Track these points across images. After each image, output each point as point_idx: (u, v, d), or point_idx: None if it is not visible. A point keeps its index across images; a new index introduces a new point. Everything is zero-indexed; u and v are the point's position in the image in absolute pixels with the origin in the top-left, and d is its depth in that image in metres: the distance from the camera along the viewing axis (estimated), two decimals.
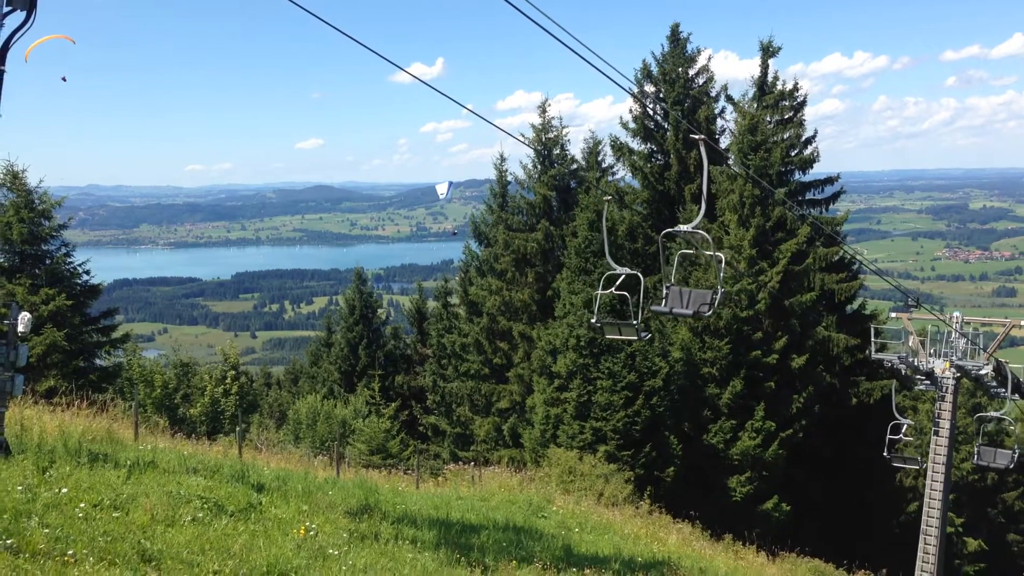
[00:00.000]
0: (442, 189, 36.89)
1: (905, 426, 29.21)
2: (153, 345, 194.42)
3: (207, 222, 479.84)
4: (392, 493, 17.59)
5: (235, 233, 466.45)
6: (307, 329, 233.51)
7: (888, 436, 28.88)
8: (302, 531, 11.19)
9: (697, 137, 10.53)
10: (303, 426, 34.14)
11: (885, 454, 29.13)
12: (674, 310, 12.01)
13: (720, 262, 12.01)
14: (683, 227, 11.93)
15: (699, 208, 11.84)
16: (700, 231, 11.84)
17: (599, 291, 18.95)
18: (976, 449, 26.82)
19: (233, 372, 31.14)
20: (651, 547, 19.13)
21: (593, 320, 18.96)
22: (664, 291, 12.19)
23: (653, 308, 12.56)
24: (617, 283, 18.69)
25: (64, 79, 11.18)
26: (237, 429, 23.23)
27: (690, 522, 25.67)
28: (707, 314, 11.85)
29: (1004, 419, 26.79)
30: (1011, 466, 26.56)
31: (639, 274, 19.39)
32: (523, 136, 39.75)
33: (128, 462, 12.93)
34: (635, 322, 18.17)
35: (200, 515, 10.91)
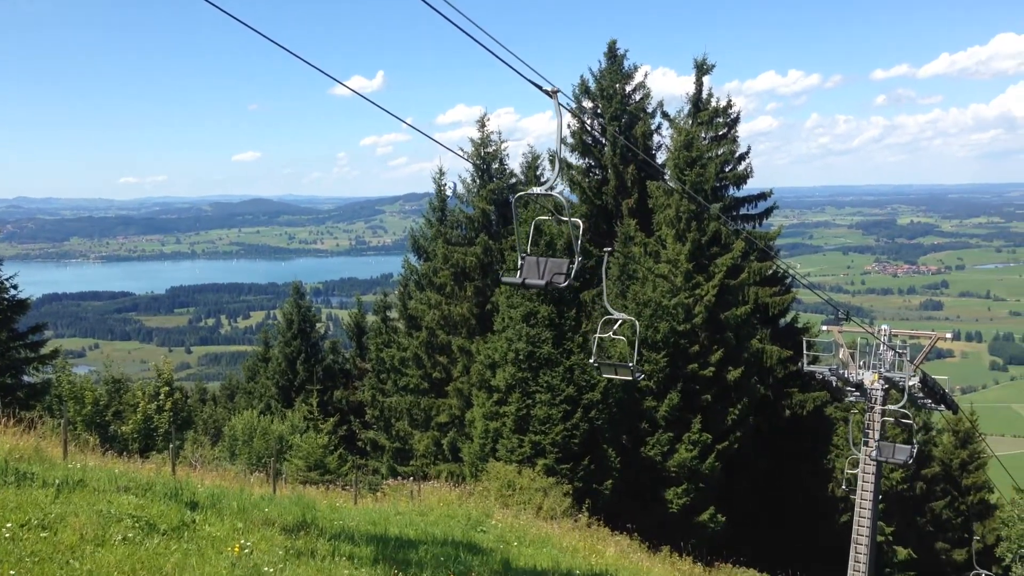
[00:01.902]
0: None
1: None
2: (84, 361, 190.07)
3: (141, 235, 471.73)
4: (330, 509, 17.43)
5: (170, 247, 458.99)
6: (244, 344, 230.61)
7: (846, 470, 29.57)
8: (236, 549, 11.04)
9: (551, 91, 9.84)
10: (239, 442, 33.63)
11: (843, 487, 29.85)
12: (527, 281, 10.79)
13: (577, 228, 11.03)
14: (536, 189, 10.81)
15: (555, 169, 10.91)
16: (554, 194, 10.89)
17: (598, 334, 19.96)
18: (875, 444, 27.28)
19: (167, 388, 30.56)
20: (589, 560, 19.23)
21: (591, 361, 20.16)
22: (519, 261, 10.97)
23: (504, 279, 11.38)
24: (615, 327, 19.75)
25: None
26: (170, 446, 22.80)
27: (628, 534, 25.86)
28: (561, 284, 10.64)
29: (904, 412, 27.23)
30: (910, 461, 26.94)
31: (635, 320, 20.29)
32: (462, 150, 39.83)
33: (57, 481, 12.64)
34: (631, 364, 19.31)
35: (131, 534, 10.71)
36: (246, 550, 11.17)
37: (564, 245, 37.39)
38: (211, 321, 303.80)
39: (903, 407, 26.69)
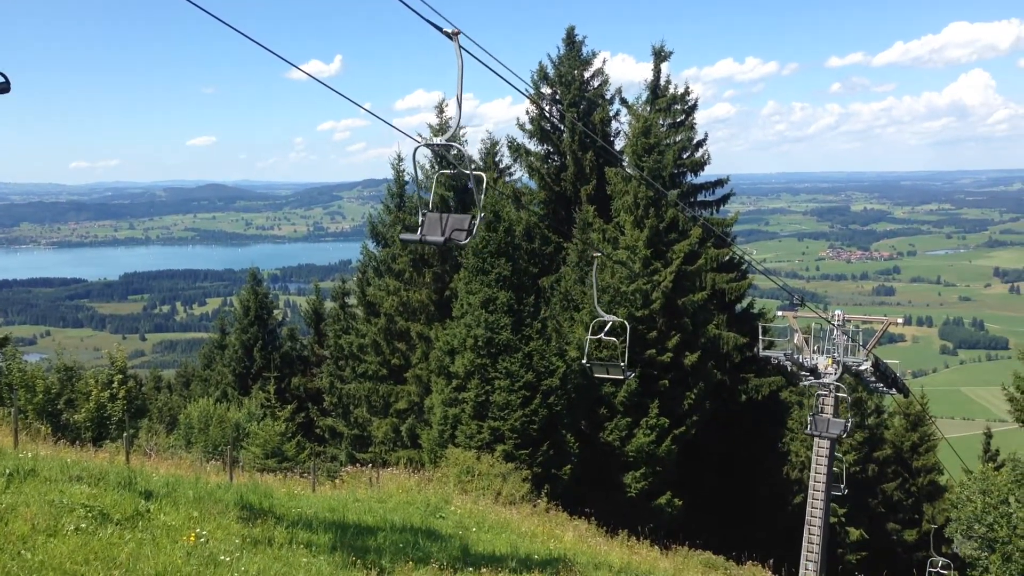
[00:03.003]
0: None
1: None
2: (35, 349, 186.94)
3: (93, 221, 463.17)
4: (287, 497, 17.32)
5: (123, 232, 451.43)
6: (200, 331, 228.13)
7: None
8: (192, 538, 10.95)
9: (451, 32, 9.17)
10: (195, 430, 33.28)
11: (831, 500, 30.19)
12: (426, 238, 10.22)
13: (481, 182, 10.48)
14: (437, 140, 10.17)
15: (457, 115, 9.95)
16: (455, 144, 10.21)
17: (589, 336, 20.71)
18: (809, 418, 27.63)
19: (120, 376, 30.10)
20: (548, 544, 19.33)
21: (584, 362, 21.16)
22: (420, 218, 10.40)
23: (402, 237, 10.67)
24: (606, 329, 20.53)
25: None
26: (124, 435, 22.50)
27: (586, 519, 26.02)
28: (463, 242, 10.16)
29: (839, 387, 27.59)
30: (844, 435, 27.27)
31: (625, 322, 20.87)
32: (420, 136, 39.46)
33: (7, 471, 12.44)
34: (621, 363, 20.14)
35: (84, 524, 10.57)
36: (202, 539, 11.08)
37: (523, 232, 37.44)
38: (166, 308, 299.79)
39: (838, 380, 27.09)
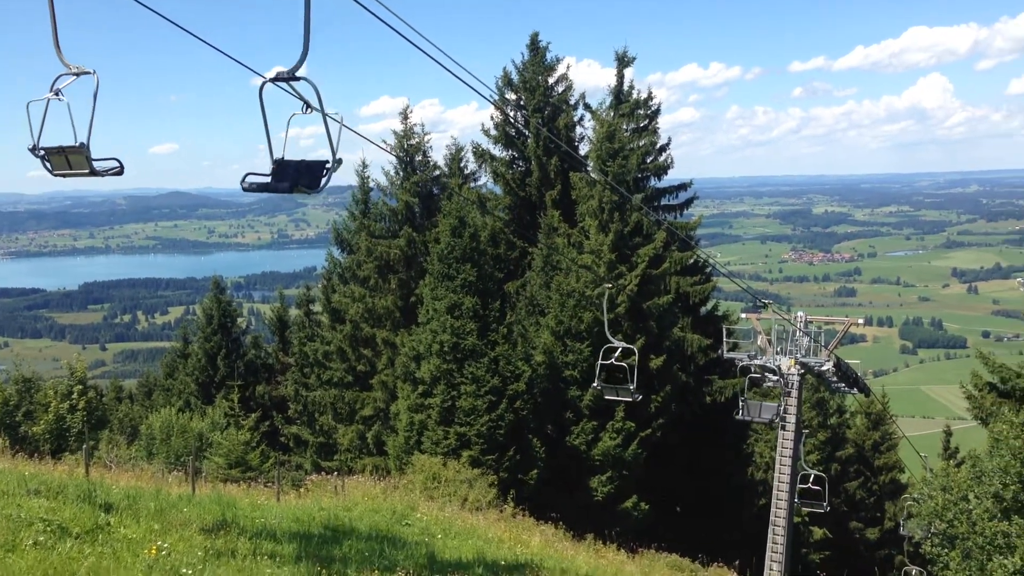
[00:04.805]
0: None
1: (813, 475, 30.89)
2: None
3: (52, 230, 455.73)
4: (251, 507, 17.15)
5: (83, 241, 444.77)
6: (162, 340, 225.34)
7: (798, 485, 30.07)
8: (153, 551, 10.81)
9: None
10: (157, 441, 32.82)
11: (795, 500, 30.44)
12: (274, 183, 9.30)
13: (336, 127, 9.26)
14: (282, 70, 8.94)
15: (304, 47, 8.69)
16: (305, 78, 8.93)
17: (600, 361, 21.77)
18: (740, 403, 27.80)
19: (80, 387, 29.70)
20: (514, 550, 19.31)
21: (595, 385, 22.40)
22: (272, 166, 9.38)
23: (244, 186, 9.41)
24: (616, 354, 21.52)
25: None
26: (84, 446, 22.17)
27: (553, 523, 26.03)
28: (311, 192, 9.16)
29: (772, 369, 27.71)
30: (776, 419, 27.44)
31: (634, 348, 21.74)
32: (385, 143, 39.44)
33: None
34: (631, 386, 21.27)
35: (42, 539, 10.41)
36: (163, 552, 10.94)
37: (488, 238, 37.41)
38: (127, 317, 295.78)
39: (766, 364, 27.30)
